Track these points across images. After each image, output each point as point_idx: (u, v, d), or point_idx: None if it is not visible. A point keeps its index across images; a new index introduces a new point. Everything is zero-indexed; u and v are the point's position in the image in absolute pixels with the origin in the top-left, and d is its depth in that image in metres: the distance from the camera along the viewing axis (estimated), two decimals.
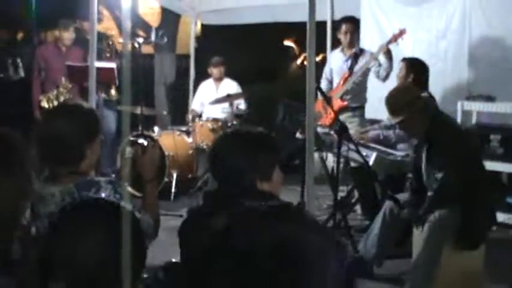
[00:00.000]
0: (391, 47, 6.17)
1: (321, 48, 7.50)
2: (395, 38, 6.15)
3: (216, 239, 1.13)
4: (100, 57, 6.92)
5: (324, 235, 1.97)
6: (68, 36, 7.30)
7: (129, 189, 5.25)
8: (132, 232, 1.50)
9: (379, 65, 6.27)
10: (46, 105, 6.83)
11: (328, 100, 5.67)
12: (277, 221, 1.12)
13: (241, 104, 7.75)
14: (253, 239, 1.05)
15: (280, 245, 1.03)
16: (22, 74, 7.09)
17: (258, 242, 1.04)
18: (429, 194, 4.46)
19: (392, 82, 5.88)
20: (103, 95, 7.36)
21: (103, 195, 2.56)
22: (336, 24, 6.97)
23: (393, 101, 4.47)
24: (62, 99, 6.93)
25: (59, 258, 1.53)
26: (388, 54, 6.17)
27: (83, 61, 7.17)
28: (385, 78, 6.22)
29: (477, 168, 4.46)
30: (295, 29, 8.37)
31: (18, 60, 7.10)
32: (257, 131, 2.54)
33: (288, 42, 12.79)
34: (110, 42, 7.46)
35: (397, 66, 5.92)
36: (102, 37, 7.57)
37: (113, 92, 7.14)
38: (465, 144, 4.44)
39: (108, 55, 7.09)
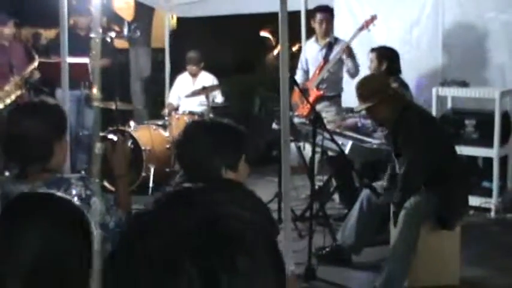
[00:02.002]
0: (364, 34, 6.19)
1: (296, 38, 7.51)
2: (366, 24, 6.18)
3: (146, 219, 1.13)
4: (86, 54, 6.83)
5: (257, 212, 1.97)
6: (8, 31, 7.19)
7: (105, 184, 5.28)
8: (66, 224, 1.50)
9: (347, 64, 6.28)
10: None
11: (303, 91, 5.67)
12: (206, 198, 1.11)
13: (218, 97, 7.73)
14: (180, 218, 1.04)
15: (206, 223, 1.02)
16: None
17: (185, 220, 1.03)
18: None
19: (365, 73, 5.89)
20: (85, 91, 7.30)
21: (74, 192, 2.55)
22: (310, 14, 6.95)
23: (362, 88, 4.52)
24: (12, 97, 6.85)
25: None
26: (350, 53, 6.18)
27: (25, 57, 7.09)
28: (355, 75, 6.21)
29: (448, 154, 4.50)
30: (271, 20, 8.35)
31: None
32: (224, 122, 2.61)
33: (264, 33, 12.76)
34: (108, 39, 7.35)
35: (367, 56, 5.93)
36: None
37: (94, 90, 7.06)
38: (432, 133, 4.46)
39: (94, 52, 6.96)
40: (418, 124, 4.39)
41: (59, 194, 2.00)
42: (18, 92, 6.94)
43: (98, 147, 2.93)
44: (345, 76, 6.59)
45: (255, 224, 1.07)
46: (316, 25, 6.58)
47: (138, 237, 1.04)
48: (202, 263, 0.97)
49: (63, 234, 1.51)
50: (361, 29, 6.20)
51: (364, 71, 5.98)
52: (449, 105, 6.45)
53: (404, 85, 5.73)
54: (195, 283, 0.95)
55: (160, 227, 1.03)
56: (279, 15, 3.99)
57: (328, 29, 6.57)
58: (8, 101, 6.83)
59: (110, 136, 6.51)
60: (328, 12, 6.61)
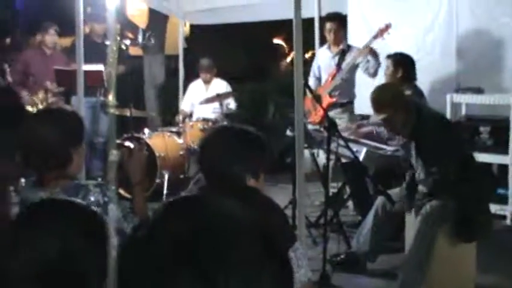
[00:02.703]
0: (378, 41, 6.18)
1: (310, 45, 7.52)
2: (381, 33, 6.17)
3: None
4: (103, 61, 6.90)
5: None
6: (50, 39, 7.26)
7: (121, 191, 5.30)
8: (88, 232, 1.51)
9: (367, 61, 6.26)
10: (31, 109, 6.82)
11: (316, 97, 5.67)
12: (212, 205, 1.11)
13: (231, 104, 7.75)
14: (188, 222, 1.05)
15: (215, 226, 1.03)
16: (9, 79, 7.06)
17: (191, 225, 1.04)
18: (420, 188, 4.48)
19: (381, 79, 5.89)
20: (101, 98, 7.35)
21: (92, 198, 2.56)
22: (323, 21, 6.96)
23: (377, 99, 4.51)
24: (46, 103, 6.92)
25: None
26: (373, 52, 6.18)
27: (67, 65, 7.16)
28: (374, 74, 6.22)
29: (468, 160, 4.48)
30: (284, 27, 8.37)
31: (6, 66, 7.06)
32: (250, 129, 2.55)
33: (277, 40, 12.79)
34: (123, 46, 7.40)
35: (383, 63, 5.93)
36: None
37: (109, 97, 7.10)
38: (452, 139, 4.44)
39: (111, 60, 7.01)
40: (437, 129, 4.37)
41: (78, 200, 2.01)
42: (52, 100, 7.03)
43: (114, 154, 2.93)
44: (358, 82, 6.59)
45: (262, 229, 1.07)
46: (326, 34, 6.59)
47: (137, 249, 1.06)
48: (202, 272, 0.98)
49: (81, 240, 1.52)
50: (375, 37, 6.20)
51: (380, 77, 5.97)
52: (463, 111, 6.42)
53: (419, 92, 5.72)
54: None
55: (157, 236, 1.04)
56: (293, 22, 4.00)
57: (339, 37, 6.55)
58: (41, 107, 6.92)
59: (127, 143, 6.54)
60: (338, 20, 6.59)
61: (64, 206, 1.67)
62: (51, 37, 7.26)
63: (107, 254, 1.56)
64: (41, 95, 7.06)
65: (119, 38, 7.45)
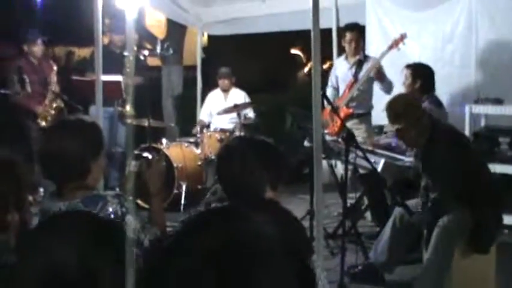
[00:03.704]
0: (396, 52, 6.17)
1: (327, 56, 7.51)
2: (396, 43, 6.16)
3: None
4: (120, 71, 6.95)
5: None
6: (38, 49, 7.30)
7: (139, 201, 5.32)
8: (111, 246, 1.50)
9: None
10: (43, 123, 6.90)
11: (334, 108, 5.66)
12: (234, 219, 1.11)
13: (250, 113, 7.75)
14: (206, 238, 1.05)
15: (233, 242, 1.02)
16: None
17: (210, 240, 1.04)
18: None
19: (400, 89, 5.86)
20: (119, 109, 7.40)
21: (110, 209, 2.57)
22: (341, 31, 6.95)
23: (392, 109, 4.50)
24: (52, 112, 7.02)
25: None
26: (379, 76, 6.18)
27: (54, 74, 7.21)
28: (388, 93, 6.20)
29: (480, 173, 4.45)
30: (302, 37, 8.38)
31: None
32: (267, 140, 2.56)
33: (294, 51, 12.80)
34: (141, 57, 7.45)
35: (402, 72, 5.90)
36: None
37: (127, 107, 7.15)
38: (462, 156, 4.39)
39: (128, 70, 7.07)
40: (448, 149, 4.34)
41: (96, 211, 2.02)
42: (54, 106, 7.09)
43: (132, 164, 2.93)
44: (375, 94, 6.57)
45: (284, 243, 1.07)
46: (346, 44, 6.58)
47: (160, 264, 1.06)
48: (225, 285, 0.98)
49: (99, 250, 1.52)
50: (390, 47, 6.19)
51: (398, 87, 5.95)
52: (482, 122, 6.38)
53: (437, 103, 5.69)
54: None
55: (182, 250, 1.04)
56: (312, 32, 3.99)
57: (358, 48, 6.55)
58: (49, 117, 6.97)
59: (145, 154, 6.57)
60: (357, 30, 6.60)
61: (84, 217, 1.68)
62: (38, 47, 7.29)
63: (124, 266, 1.56)
64: (54, 104, 7.12)
65: (136, 49, 7.50)
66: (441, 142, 4.37)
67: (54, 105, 7.15)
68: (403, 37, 6.14)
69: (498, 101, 6.15)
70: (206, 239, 1.03)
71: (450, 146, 4.38)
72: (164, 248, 1.10)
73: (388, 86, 6.24)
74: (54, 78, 7.24)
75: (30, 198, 3.16)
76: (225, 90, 7.96)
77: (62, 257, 1.48)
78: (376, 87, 6.44)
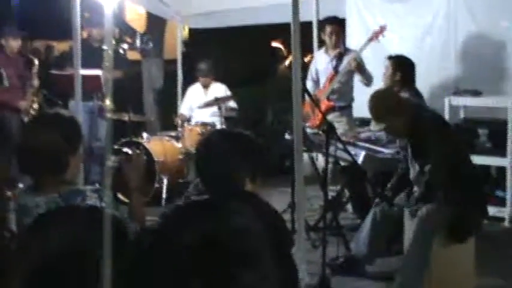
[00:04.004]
0: (376, 44, 6.19)
1: (307, 49, 7.51)
2: (376, 35, 6.18)
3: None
4: (100, 65, 6.90)
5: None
6: (15, 44, 7.25)
7: (120, 196, 5.31)
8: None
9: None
10: (26, 118, 6.85)
11: (315, 101, 5.67)
12: (214, 212, 1.11)
13: (231, 106, 7.70)
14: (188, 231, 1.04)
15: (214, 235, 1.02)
16: (6, 83, 7.05)
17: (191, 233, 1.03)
18: (415, 189, 4.49)
19: (379, 82, 5.88)
20: (98, 103, 7.34)
21: (89, 203, 2.55)
22: (321, 24, 6.95)
23: (375, 109, 4.50)
24: (34, 106, 6.98)
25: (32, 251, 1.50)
26: (358, 67, 6.19)
27: (28, 70, 7.17)
28: (369, 85, 6.22)
29: (464, 162, 4.48)
30: (283, 30, 8.35)
31: (2, 70, 7.05)
32: (246, 133, 2.56)
33: (275, 44, 12.78)
34: (121, 51, 7.38)
35: (383, 64, 5.91)
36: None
37: (107, 101, 7.10)
38: (449, 141, 4.44)
39: (107, 64, 7.01)
40: (434, 129, 4.37)
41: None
42: (36, 101, 7.05)
43: (112, 159, 2.92)
44: (356, 86, 6.59)
45: (265, 236, 1.07)
46: (326, 37, 6.58)
47: (144, 257, 1.05)
48: (207, 279, 0.98)
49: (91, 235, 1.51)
50: (370, 39, 6.20)
51: (378, 77, 5.96)
52: (461, 114, 6.43)
53: (418, 95, 5.71)
54: None
55: (164, 245, 1.03)
56: (291, 26, 3.99)
57: (338, 41, 6.56)
58: (32, 112, 6.92)
59: (125, 149, 6.53)
60: (337, 23, 6.61)
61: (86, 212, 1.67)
62: (16, 42, 7.24)
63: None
64: (35, 98, 7.07)
65: (115, 43, 7.45)
66: (426, 127, 4.38)
67: (36, 99, 7.10)
68: (382, 29, 6.17)
69: (477, 93, 6.20)
70: (186, 235, 1.03)
71: (439, 126, 4.42)
72: (146, 244, 1.09)
73: (368, 78, 6.26)
74: (35, 72, 7.18)
75: (9, 193, 3.14)
76: (205, 86, 7.93)
77: (59, 245, 1.47)
78: (357, 79, 6.45)
